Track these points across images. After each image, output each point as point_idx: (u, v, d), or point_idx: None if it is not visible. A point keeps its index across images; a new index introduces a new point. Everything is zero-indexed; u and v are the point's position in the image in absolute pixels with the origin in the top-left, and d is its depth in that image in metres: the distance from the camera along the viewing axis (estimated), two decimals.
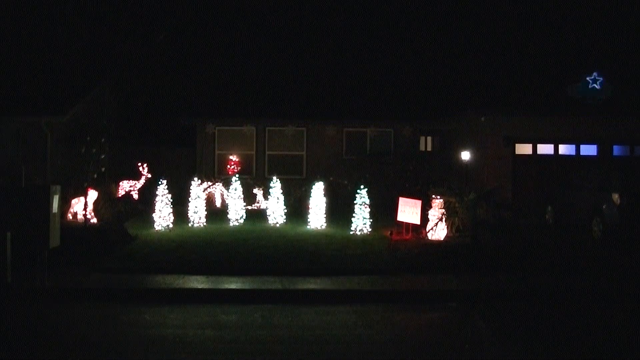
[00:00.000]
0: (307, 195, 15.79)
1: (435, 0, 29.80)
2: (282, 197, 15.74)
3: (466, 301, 9.58)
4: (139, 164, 18.79)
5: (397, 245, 12.87)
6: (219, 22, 28.93)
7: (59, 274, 10.31)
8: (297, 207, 16.75)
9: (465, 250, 12.29)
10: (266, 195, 16.49)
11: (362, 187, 14.63)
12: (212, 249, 12.18)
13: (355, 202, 14.43)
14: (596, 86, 19.03)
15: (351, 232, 14.20)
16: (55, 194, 10.18)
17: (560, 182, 17.27)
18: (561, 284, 10.41)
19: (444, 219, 13.58)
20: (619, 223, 13.70)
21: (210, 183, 18.36)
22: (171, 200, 14.79)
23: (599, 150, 18.98)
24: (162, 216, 14.49)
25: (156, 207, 14.57)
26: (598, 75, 18.94)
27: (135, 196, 18.63)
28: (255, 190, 18.32)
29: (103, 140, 14.94)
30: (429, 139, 23.73)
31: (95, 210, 15.36)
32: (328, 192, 15.75)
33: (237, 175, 16.71)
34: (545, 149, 18.96)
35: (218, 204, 18.45)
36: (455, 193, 14.29)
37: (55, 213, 10.12)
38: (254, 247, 12.49)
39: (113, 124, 16.70)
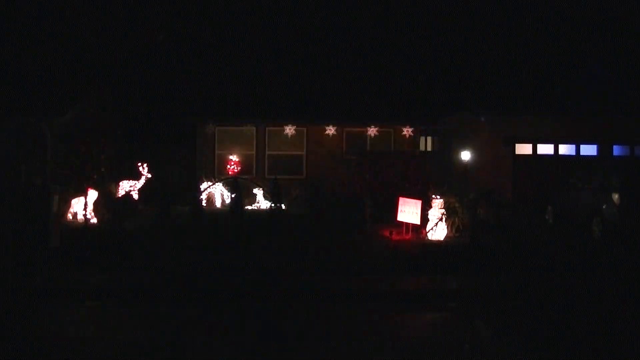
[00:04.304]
0: (307, 195, 15.79)
1: (435, 0, 29.79)
2: (282, 197, 15.73)
3: (466, 301, 9.58)
4: (139, 164, 18.77)
5: (397, 245, 12.86)
6: (218, 22, 28.92)
7: (59, 274, 10.31)
8: (297, 207, 16.75)
9: (465, 250, 12.28)
10: (266, 195, 16.49)
11: (362, 187, 14.63)
12: (211, 249, 12.16)
13: (356, 202, 14.42)
14: (597, 88, 19.07)
15: (351, 232, 14.19)
16: (55, 194, 10.18)
17: (560, 182, 17.27)
18: (561, 284, 10.40)
19: (444, 219, 13.58)
20: (619, 223, 13.70)
21: (210, 183, 18.37)
22: (171, 200, 14.78)
23: (599, 150, 18.97)
24: (163, 216, 14.47)
25: (156, 207, 14.55)
26: (600, 73, 19.00)
27: (135, 196, 18.61)
28: (255, 190, 18.33)
29: (103, 140, 14.96)
30: (429, 139, 23.72)
31: (95, 210, 15.34)
32: (328, 192, 15.75)
33: (237, 175, 16.72)
34: (545, 149, 18.95)
35: (218, 204, 18.44)
36: (455, 193, 14.29)
37: (55, 213, 10.12)
38: (255, 247, 12.47)
39: (113, 124, 16.72)
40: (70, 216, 15.57)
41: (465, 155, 18.24)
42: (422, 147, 22.94)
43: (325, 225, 15.08)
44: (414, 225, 13.94)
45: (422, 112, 21.63)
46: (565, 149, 19.02)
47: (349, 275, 10.70)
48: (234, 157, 20.49)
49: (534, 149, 18.95)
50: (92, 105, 18.68)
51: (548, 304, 9.51)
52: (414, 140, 21.50)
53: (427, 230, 13.73)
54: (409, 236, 13.76)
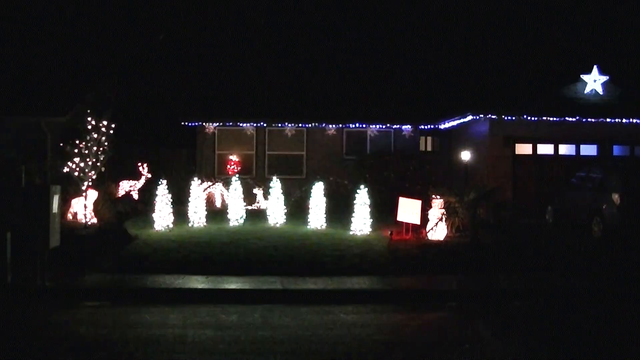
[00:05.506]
0: (307, 195, 15.79)
1: (435, 1, 29.81)
2: (282, 197, 15.73)
3: (466, 301, 9.58)
4: (139, 164, 18.77)
5: (397, 245, 12.86)
6: (219, 22, 28.91)
7: (59, 274, 10.31)
8: (297, 207, 16.75)
9: (465, 250, 12.29)
10: (266, 195, 16.50)
11: (362, 187, 14.63)
12: (212, 249, 12.17)
13: (355, 202, 14.42)
14: (597, 89, 19.06)
15: (351, 232, 14.19)
16: (55, 194, 10.18)
17: (560, 182, 17.27)
18: (561, 284, 10.41)
19: (444, 219, 13.57)
20: (619, 223, 13.70)
21: (210, 183, 18.37)
22: (171, 200, 14.79)
23: (599, 150, 18.98)
24: (162, 216, 14.49)
25: (156, 207, 14.56)
26: (600, 73, 19.00)
27: (135, 196, 18.61)
28: (255, 190, 18.34)
29: (103, 140, 14.94)
30: (429, 139, 23.74)
31: (95, 210, 15.34)
32: (328, 192, 15.75)
33: (237, 175, 16.72)
34: (545, 149, 18.96)
35: (218, 204, 18.45)
36: (455, 193, 14.29)
37: (55, 213, 10.12)
38: (254, 247, 12.48)
39: (113, 123, 16.69)
40: (70, 216, 15.57)
41: (465, 155, 18.25)
42: (422, 148, 22.95)
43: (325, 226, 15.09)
44: (414, 225, 13.93)
45: (422, 113, 21.63)
46: (565, 149, 19.03)
47: (350, 275, 10.70)
48: (234, 157, 20.49)
49: (534, 149, 18.96)
50: (92, 105, 18.66)
51: (548, 303, 9.52)
52: (414, 140, 21.51)
53: (427, 230, 13.72)
54: (409, 236, 13.76)
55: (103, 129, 14.90)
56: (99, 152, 14.77)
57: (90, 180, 14.63)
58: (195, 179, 15.83)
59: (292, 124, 20.94)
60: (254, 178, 19.76)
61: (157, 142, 23.36)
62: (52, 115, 18.01)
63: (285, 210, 15.80)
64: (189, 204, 15.27)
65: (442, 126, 21.65)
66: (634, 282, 10.60)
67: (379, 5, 30.51)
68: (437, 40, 28.10)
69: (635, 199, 13.63)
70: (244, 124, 21.00)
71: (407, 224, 14.01)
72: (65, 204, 14.56)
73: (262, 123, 20.99)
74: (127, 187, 18.71)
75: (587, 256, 12.46)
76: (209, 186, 18.08)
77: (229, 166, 20.29)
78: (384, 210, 16.07)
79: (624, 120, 18.59)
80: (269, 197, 15.94)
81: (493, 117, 18.55)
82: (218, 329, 7.92)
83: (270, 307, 9.06)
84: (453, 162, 20.99)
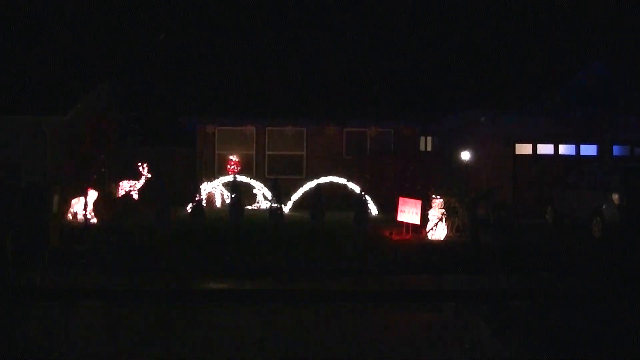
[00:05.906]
0: (306, 195, 15.80)
1: (435, 1, 29.82)
2: (282, 197, 15.73)
3: (466, 301, 9.58)
4: (139, 164, 18.78)
5: (397, 245, 12.86)
6: (219, 22, 28.92)
7: (59, 274, 10.31)
8: (296, 207, 16.76)
9: (465, 250, 12.29)
10: (266, 195, 16.50)
11: (362, 186, 14.64)
12: (211, 249, 12.16)
13: (355, 202, 14.42)
14: (597, 88, 19.07)
15: (351, 232, 14.19)
16: (55, 194, 10.19)
17: (560, 182, 17.28)
18: (561, 284, 10.41)
19: (444, 219, 13.58)
20: (619, 223, 13.70)
21: (210, 183, 18.38)
22: (171, 200, 14.79)
23: (599, 150, 18.98)
24: (163, 216, 14.48)
25: (156, 207, 14.56)
26: (601, 73, 19.02)
27: (135, 196, 18.63)
28: (255, 190, 18.35)
29: (103, 140, 15.00)
30: (429, 139, 23.74)
31: (95, 210, 15.35)
32: (328, 192, 15.76)
33: (237, 175, 16.72)
34: (545, 149, 18.97)
35: (218, 204, 18.46)
36: (455, 193, 14.29)
37: (55, 213, 10.13)
38: (254, 247, 12.47)
39: (113, 123, 16.72)
40: (70, 216, 15.58)
41: (465, 155, 18.26)
42: (422, 147, 22.95)
43: (326, 225, 15.08)
44: (414, 225, 13.93)
45: (422, 112, 21.65)
46: (565, 149, 19.04)
47: (350, 275, 10.70)
48: (234, 157, 20.50)
49: (534, 149, 18.96)
50: (92, 105, 18.69)
51: (548, 303, 9.51)
52: (414, 140, 21.51)
53: (427, 230, 13.73)
54: (409, 236, 13.76)
55: (103, 129, 14.92)
56: (99, 152, 14.79)
57: (90, 180, 14.64)
58: (196, 178, 15.84)
59: (292, 124, 20.93)
60: (254, 178, 19.76)
61: (157, 142, 23.36)
62: (52, 115, 18.01)
63: (285, 211, 15.79)
64: (189, 204, 15.28)
65: (442, 126, 21.66)
66: (634, 282, 10.60)
67: (379, 5, 30.52)
68: (438, 40, 28.13)
69: (635, 199, 13.64)
70: (244, 124, 20.99)
71: (407, 224, 14.02)
72: (65, 204, 14.57)
73: (262, 123, 21.00)
74: (127, 187, 18.72)
75: (587, 256, 12.46)
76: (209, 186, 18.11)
77: (229, 166, 20.29)
78: (384, 210, 16.08)
79: (624, 120, 18.59)
80: (268, 197, 15.94)
81: (493, 116, 18.55)
82: (218, 329, 7.92)
83: (270, 307, 9.06)
84: (453, 162, 21.00)
